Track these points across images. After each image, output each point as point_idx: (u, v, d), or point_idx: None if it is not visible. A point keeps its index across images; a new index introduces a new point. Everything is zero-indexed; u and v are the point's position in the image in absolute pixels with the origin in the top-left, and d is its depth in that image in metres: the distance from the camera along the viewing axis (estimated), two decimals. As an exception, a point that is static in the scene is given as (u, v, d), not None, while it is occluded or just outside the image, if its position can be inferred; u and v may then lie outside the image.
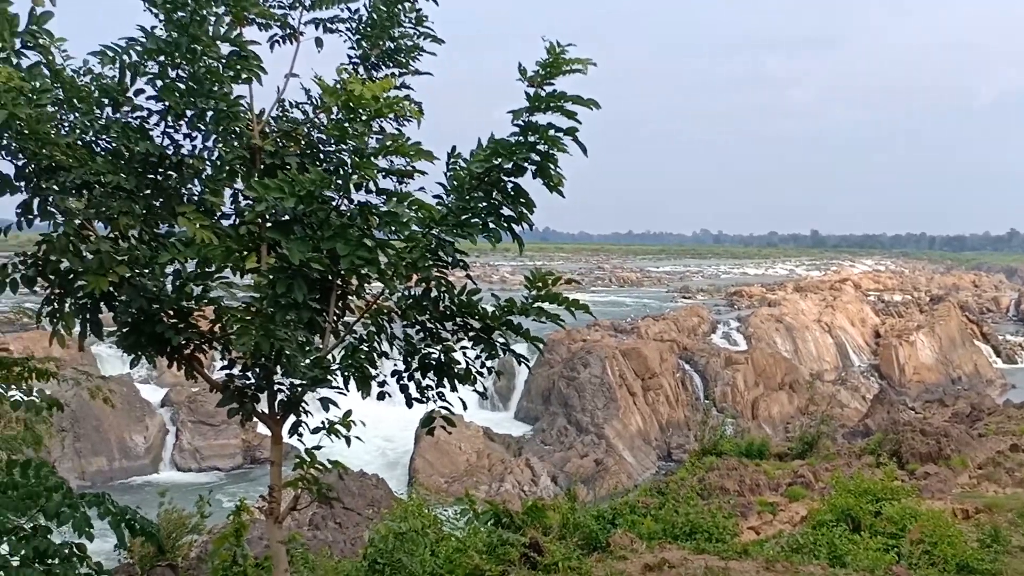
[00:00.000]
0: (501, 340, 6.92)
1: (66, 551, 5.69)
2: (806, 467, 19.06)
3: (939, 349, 70.75)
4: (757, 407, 52.41)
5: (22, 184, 6.08)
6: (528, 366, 7.59)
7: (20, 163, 6.02)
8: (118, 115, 6.36)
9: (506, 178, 6.38)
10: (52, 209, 6.15)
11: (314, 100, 7.17)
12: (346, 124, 6.23)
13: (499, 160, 6.23)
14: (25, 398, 7.81)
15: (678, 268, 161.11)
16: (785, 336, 65.22)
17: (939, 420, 27.08)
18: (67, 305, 6.47)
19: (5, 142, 5.78)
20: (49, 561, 5.51)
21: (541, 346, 6.94)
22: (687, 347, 56.47)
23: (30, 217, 6.19)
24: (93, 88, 6.20)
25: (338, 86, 6.21)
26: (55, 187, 6.07)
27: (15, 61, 5.79)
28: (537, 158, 6.27)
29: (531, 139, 6.21)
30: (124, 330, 6.59)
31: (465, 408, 7.40)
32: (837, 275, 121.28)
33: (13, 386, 8.02)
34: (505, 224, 6.49)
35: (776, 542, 13.02)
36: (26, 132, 5.64)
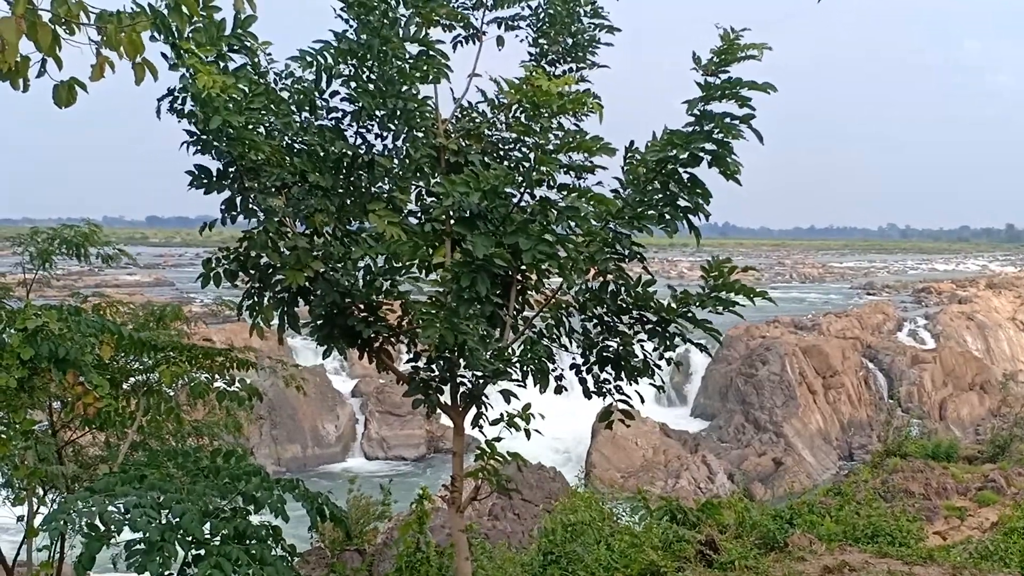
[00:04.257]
0: (678, 332, 6.89)
1: (263, 532, 5.89)
2: (997, 471, 18.04)
3: None
4: (945, 408, 49.90)
5: (227, 183, 6.50)
6: (711, 354, 7.54)
7: (225, 163, 6.43)
8: (313, 117, 6.71)
9: (682, 168, 6.36)
10: (254, 207, 6.54)
11: (492, 100, 7.34)
12: (529, 121, 6.36)
13: (674, 150, 6.22)
14: (228, 388, 8.32)
15: (862, 263, 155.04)
16: (976, 334, 61.70)
17: None
18: (266, 298, 6.86)
19: (215, 144, 6.19)
20: (247, 541, 5.71)
21: (720, 337, 6.88)
22: (871, 345, 54.29)
23: (234, 214, 6.61)
24: (292, 91, 6.57)
25: (523, 84, 6.33)
26: (257, 186, 6.45)
27: (222, 64, 6.17)
28: (713, 147, 6.23)
29: (706, 128, 6.17)
30: (318, 323, 6.93)
31: (643, 402, 7.42)
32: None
33: (217, 375, 8.53)
34: (681, 215, 6.47)
35: (964, 548, 12.43)
36: (234, 136, 6.03)
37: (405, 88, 6.62)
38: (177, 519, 5.39)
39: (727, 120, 6.10)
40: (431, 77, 6.84)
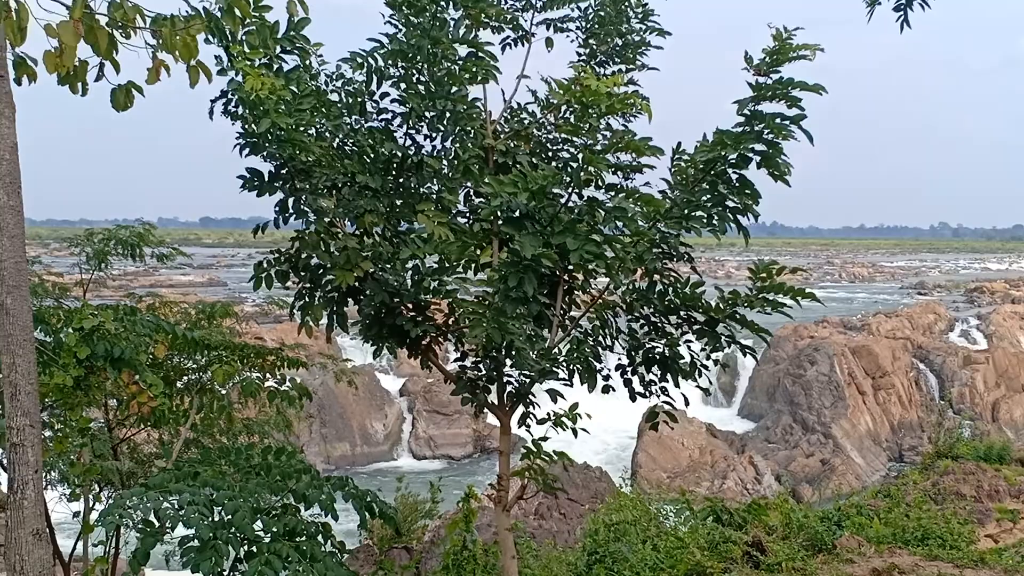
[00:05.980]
0: (726, 332, 6.85)
1: (312, 529, 6.00)
2: (1051, 474, 17.73)
3: None
4: (998, 409, 49.03)
5: (279, 184, 6.59)
6: (755, 357, 7.49)
7: (277, 165, 6.52)
8: (363, 119, 6.78)
9: (731, 169, 6.33)
10: (305, 208, 6.62)
11: (541, 101, 7.36)
12: (578, 122, 6.37)
13: (724, 151, 6.18)
14: (279, 387, 8.42)
15: (913, 263, 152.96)
16: (1030, 335, 60.58)
17: None
18: (316, 298, 6.95)
19: (266, 146, 6.27)
20: (298, 538, 5.81)
21: (768, 338, 6.83)
22: (922, 345, 53.49)
23: (286, 216, 6.70)
24: (343, 93, 6.64)
25: (572, 84, 6.34)
26: (307, 187, 6.53)
27: (275, 66, 6.26)
28: (762, 147, 6.18)
29: (756, 128, 6.14)
30: (367, 322, 7.00)
31: (688, 404, 7.39)
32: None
33: (268, 374, 8.63)
34: (730, 216, 6.43)
35: (1016, 551, 12.26)
36: (283, 138, 6.11)
37: (454, 89, 6.66)
38: (229, 516, 5.46)
39: (778, 120, 6.06)
40: (480, 78, 6.88)
